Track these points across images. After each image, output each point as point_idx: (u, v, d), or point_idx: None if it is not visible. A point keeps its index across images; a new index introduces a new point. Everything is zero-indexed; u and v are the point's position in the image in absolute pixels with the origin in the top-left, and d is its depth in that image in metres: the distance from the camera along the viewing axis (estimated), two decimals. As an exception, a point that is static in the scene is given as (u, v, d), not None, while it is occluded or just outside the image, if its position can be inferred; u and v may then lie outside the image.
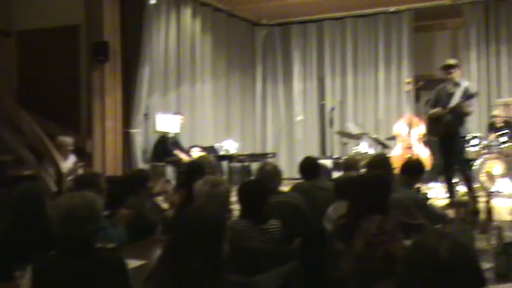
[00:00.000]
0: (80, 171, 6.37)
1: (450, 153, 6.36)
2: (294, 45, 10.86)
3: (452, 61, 6.38)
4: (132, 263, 2.74)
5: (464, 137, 6.49)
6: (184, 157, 7.78)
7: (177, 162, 7.73)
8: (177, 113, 8.28)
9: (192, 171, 4.50)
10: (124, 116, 7.86)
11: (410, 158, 6.25)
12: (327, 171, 8.49)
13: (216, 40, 9.71)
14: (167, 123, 7.96)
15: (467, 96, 6.21)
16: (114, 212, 3.82)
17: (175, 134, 8.11)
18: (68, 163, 6.50)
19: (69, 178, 6.00)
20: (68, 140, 6.68)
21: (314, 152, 10.30)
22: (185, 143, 8.51)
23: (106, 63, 7.45)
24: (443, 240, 1.48)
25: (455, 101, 6.13)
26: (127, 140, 7.88)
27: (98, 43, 7.39)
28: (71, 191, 3.61)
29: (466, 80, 6.42)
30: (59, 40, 7.66)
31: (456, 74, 6.25)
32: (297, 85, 10.87)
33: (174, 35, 8.69)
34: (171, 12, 8.62)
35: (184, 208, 2.89)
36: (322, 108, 10.40)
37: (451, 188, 6.44)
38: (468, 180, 6.41)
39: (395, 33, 10.11)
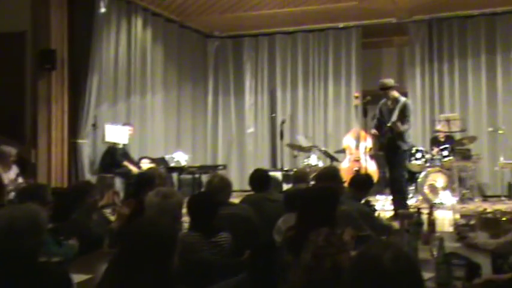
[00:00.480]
0: (23, 182, 6.14)
1: (393, 166, 6.60)
2: (246, 58, 10.94)
3: (386, 82, 6.74)
4: (78, 278, 2.66)
5: (406, 150, 6.76)
6: (133, 169, 7.68)
7: (126, 174, 7.60)
8: (126, 123, 8.16)
9: (141, 182, 4.45)
10: (71, 126, 7.65)
11: (359, 172, 6.44)
12: (278, 184, 8.56)
13: (168, 51, 9.65)
14: (116, 134, 7.81)
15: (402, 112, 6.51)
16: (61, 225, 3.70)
17: (125, 145, 7.98)
18: (11, 174, 6.26)
19: (12, 190, 5.78)
20: (10, 150, 6.43)
21: (265, 164, 10.37)
22: (135, 155, 8.40)
23: (53, 72, 7.26)
24: (387, 250, 1.51)
25: (394, 116, 6.49)
26: (74, 150, 7.67)
27: (44, 51, 7.20)
28: (14, 203, 3.47)
29: (403, 97, 6.79)
30: (3, 47, 7.39)
31: (392, 93, 6.64)
32: (248, 98, 10.94)
33: (125, 45, 8.58)
34: (122, 21, 8.52)
35: (133, 220, 2.83)
36: (273, 121, 10.50)
37: (396, 200, 6.65)
38: (403, 193, 6.66)
39: (344, 48, 10.37)
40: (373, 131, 6.77)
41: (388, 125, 6.50)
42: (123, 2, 8.51)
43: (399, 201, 6.62)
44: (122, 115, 8.49)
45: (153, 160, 8.35)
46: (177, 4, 8.99)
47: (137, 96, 8.85)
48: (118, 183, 7.70)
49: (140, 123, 8.88)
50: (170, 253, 1.96)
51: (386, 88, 6.63)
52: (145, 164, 8.05)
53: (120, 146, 7.87)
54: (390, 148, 6.60)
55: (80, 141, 7.71)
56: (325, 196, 2.86)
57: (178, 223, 3.32)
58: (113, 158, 7.72)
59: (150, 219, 2.41)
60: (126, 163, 7.76)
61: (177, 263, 1.99)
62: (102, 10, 7.76)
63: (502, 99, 9.38)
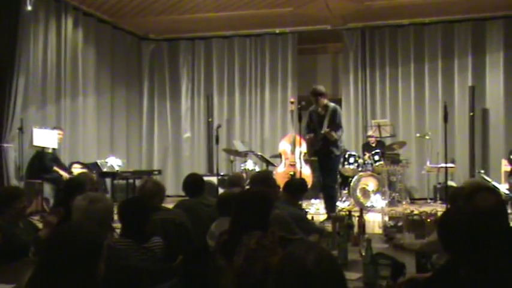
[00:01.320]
0: None
1: (326, 172, 6.73)
2: (182, 62, 10.84)
3: (320, 88, 6.87)
4: (0, 287, 2.58)
5: (338, 155, 6.91)
6: (64, 174, 7.48)
7: (56, 180, 7.36)
8: (56, 127, 7.87)
9: (71, 188, 4.29)
10: (-5, 129, 7.27)
11: (293, 177, 6.51)
12: (213, 188, 8.52)
13: (101, 52, 9.40)
14: (45, 138, 7.50)
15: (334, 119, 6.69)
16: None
17: (54, 149, 7.70)
18: None
19: None
20: None
21: (201, 169, 10.31)
22: (66, 160, 8.17)
23: (-24, 73, 6.88)
24: (310, 251, 1.55)
25: (325, 122, 6.66)
26: (-1, 155, 7.29)
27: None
28: None
29: (332, 103, 6.93)
30: None
31: (322, 100, 6.78)
32: (184, 102, 10.84)
33: (54, 45, 8.27)
34: (51, 20, 8.20)
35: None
36: (209, 125, 10.44)
37: (328, 204, 6.77)
38: (336, 197, 6.87)
39: (280, 54, 10.50)
40: (311, 135, 6.83)
41: (322, 132, 6.61)
42: (51, 0, 8.19)
43: (332, 205, 6.75)
44: (52, 118, 8.20)
45: (84, 165, 8.15)
46: (110, 4, 8.76)
47: (68, 99, 8.57)
48: (47, 189, 7.44)
49: (71, 127, 8.63)
50: (95, 260, 1.91)
51: (319, 94, 6.74)
52: (77, 169, 7.84)
53: (50, 151, 7.59)
54: (323, 154, 6.74)
55: (5, 145, 7.33)
56: (260, 199, 2.84)
57: (106, 229, 3.22)
58: (42, 163, 7.44)
59: (75, 225, 2.34)
60: (56, 168, 7.53)
61: (105, 270, 1.94)
62: (29, 8, 7.38)
63: (428, 106, 9.80)
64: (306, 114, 7.10)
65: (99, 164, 8.46)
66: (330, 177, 6.82)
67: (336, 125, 6.69)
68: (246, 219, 2.72)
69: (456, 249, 2.11)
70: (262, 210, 2.77)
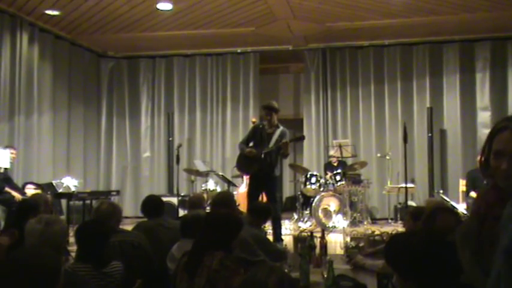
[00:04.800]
0: None
1: (269, 192, 6.36)
2: (142, 80, 10.67)
3: (275, 104, 6.54)
4: None
5: (278, 177, 6.52)
6: (16, 195, 7.18)
7: (8, 201, 7.08)
8: (8, 146, 7.59)
9: (24, 210, 4.17)
10: None
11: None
12: (174, 209, 8.33)
13: (57, 69, 9.15)
14: (-4, 157, 7.19)
15: (296, 138, 6.49)
16: None
17: (6, 169, 7.41)
18: None
19: None
20: None
21: (161, 189, 10.09)
22: (19, 180, 7.90)
23: None
24: (272, 274, 1.63)
25: (273, 140, 6.26)
26: None
27: None
28: None
29: (281, 125, 6.50)
30: None
31: (274, 118, 6.42)
32: (144, 120, 10.64)
33: (8, 61, 8.01)
34: (5, 35, 7.96)
35: (13, 251, 2.56)
36: (170, 144, 10.26)
37: (277, 226, 6.35)
38: (278, 219, 6.38)
39: (242, 73, 10.47)
40: (251, 150, 6.29)
41: (279, 143, 6.17)
42: (6, 15, 7.94)
43: (280, 226, 6.42)
44: (4, 137, 7.93)
45: (39, 186, 7.88)
46: (67, 21, 8.56)
47: (22, 116, 8.28)
48: (-2, 211, 7.08)
49: (25, 146, 8.34)
50: (52, 286, 1.85)
51: (274, 110, 6.40)
52: (31, 190, 7.58)
53: (1, 171, 7.27)
54: (264, 174, 6.29)
55: (-48, 165, 6.99)
56: (231, 223, 2.86)
57: (62, 253, 3.07)
58: (-8, 183, 7.09)
59: (30, 249, 2.28)
60: (8, 189, 7.21)
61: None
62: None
63: (388, 126, 9.93)
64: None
65: (54, 184, 8.16)
66: (275, 198, 6.34)
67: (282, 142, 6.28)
68: (212, 240, 2.71)
69: (399, 270, 2.15)
70: (231, 234, 2.80)
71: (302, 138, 6.97)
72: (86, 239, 3.04)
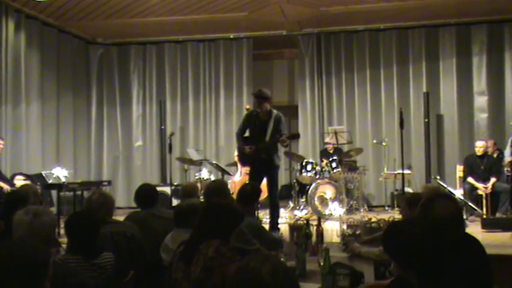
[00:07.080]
0: None
1: (270, 182, 6.37)
2: (133, 67, 10.46)
3: (266, 92, 6.38)
4: None
5: (279, 165, 6.56)
6: (5, 186, 7.09)
7: (-4, 192, 6.88)
8: (-5, 137, 7.40)
9: (13, 201, 4.13)
10: None
11: (245, 184, 6.13)
12: (167, 199, 8.20)
13: (45, 57, 8.95)
14: (-17, 148, 7.03)
15: (292, 136, 6.39)
16: None
17: (-7, 160, 7.22)
18: None
19: None
20: None
21: (154, 179, 9.94)
22: (7, 171, 7.77)
23: None
24: (266, 262, 1.60)
25: (269, 130, 6.21)
26: None
27: None
28: None
29: (275, 110, 6.40)
30: None
31: (267, 105, 6.28)
32: (135, 108, 10.46)
33: (-6, 49, 7.78)
34: (-10, 23, 7.72)
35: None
36: (162, 133, 10.07)
37: (276, 214, 6.37)
38: (277, 207, 6.42)
39: (235, 59, 10.27)
40: (251, 147, 6.29)
41: (281, 138, 6.15)
42: (-11, 2, 7.72)
43: (278, 214, 6.45)
44: (-9, 127, 7.70)
45: (28, 176, 7.75)
46: (55, 7, 8.33)
47: (9, 106, 8.11)
48: (-15, 202, 6.93)
49: (13, 136, 8.18)
50: (40, 279, 1.82)
51: (264, 98, 6.26)
52: (19, 181, 7.43)
53: (-12, 162, 7.10)
54: (265, 163, 6.29)
55: None
56: (232, 214, 2.84)
57: (51, 244, 3.01)
58: (-20, 174, 6.96)
59: (18, 241, 2.26)
60: (-4, 180, 7.04)
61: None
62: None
63: (385, 112, 9.79)
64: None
65: (44, 175, 8.00)
66: (275, 187, 6.40)
67: (280, 132, 6.24)
68: (210, 228, 2.69)
69: (398, 259, 2.20)
70: (230, 224, 2.78)
71: (297, 136, 6.85)
72: (76, 230, 3.02)
